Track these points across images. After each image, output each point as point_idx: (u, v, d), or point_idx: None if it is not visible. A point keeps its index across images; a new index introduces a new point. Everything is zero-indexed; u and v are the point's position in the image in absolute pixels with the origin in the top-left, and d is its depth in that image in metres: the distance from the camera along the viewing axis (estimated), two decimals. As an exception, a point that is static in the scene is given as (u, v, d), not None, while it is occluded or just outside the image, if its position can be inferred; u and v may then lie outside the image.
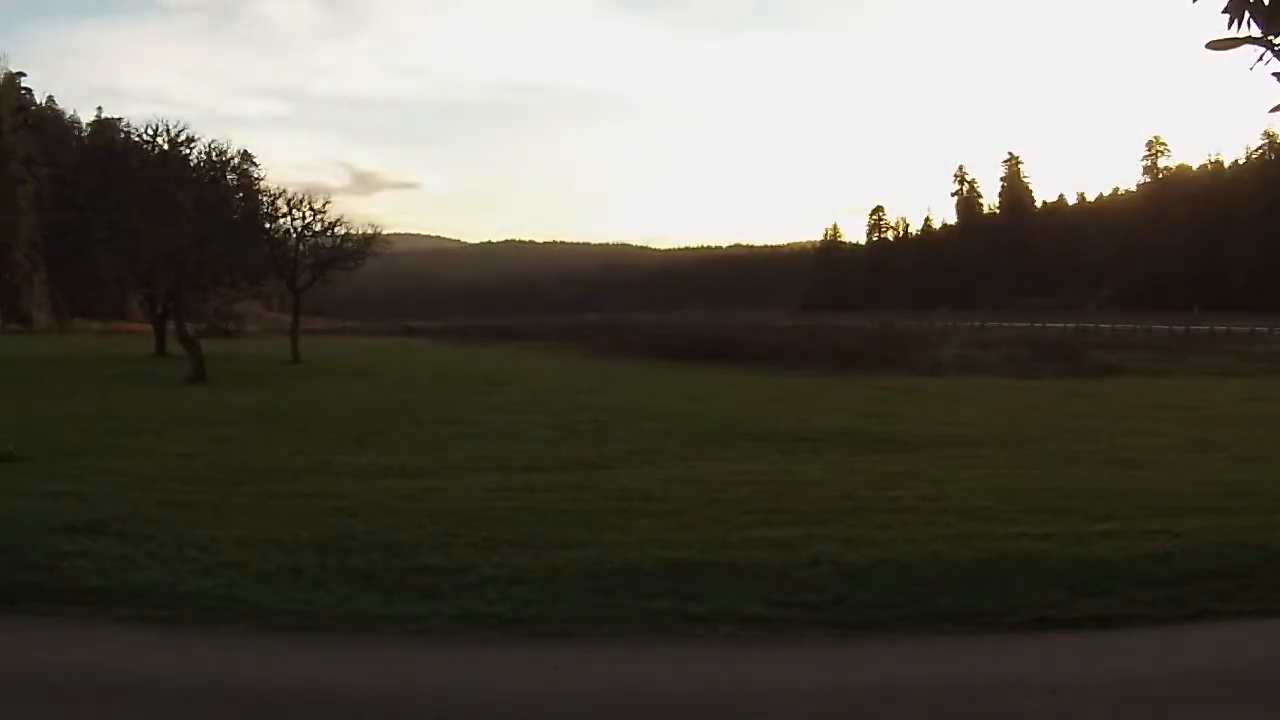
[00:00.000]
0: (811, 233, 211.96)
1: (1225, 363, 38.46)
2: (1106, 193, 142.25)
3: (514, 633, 6.56)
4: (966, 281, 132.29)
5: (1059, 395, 24.21)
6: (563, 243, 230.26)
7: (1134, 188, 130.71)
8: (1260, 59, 3.68)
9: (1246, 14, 3.62)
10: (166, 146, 49.53)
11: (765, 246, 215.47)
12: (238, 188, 50.04)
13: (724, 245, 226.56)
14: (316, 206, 44.75)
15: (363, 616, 6.79)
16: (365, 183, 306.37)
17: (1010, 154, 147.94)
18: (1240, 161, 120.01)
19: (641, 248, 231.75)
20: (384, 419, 18.08)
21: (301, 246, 44.07)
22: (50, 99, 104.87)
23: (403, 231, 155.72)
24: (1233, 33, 3.66)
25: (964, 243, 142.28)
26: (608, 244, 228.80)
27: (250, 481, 11.04)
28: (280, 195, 46.13)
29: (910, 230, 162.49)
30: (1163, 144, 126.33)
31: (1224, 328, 57.30)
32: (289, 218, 44.64)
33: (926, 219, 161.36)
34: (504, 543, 8.23)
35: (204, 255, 35.54)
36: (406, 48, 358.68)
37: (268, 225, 46.07)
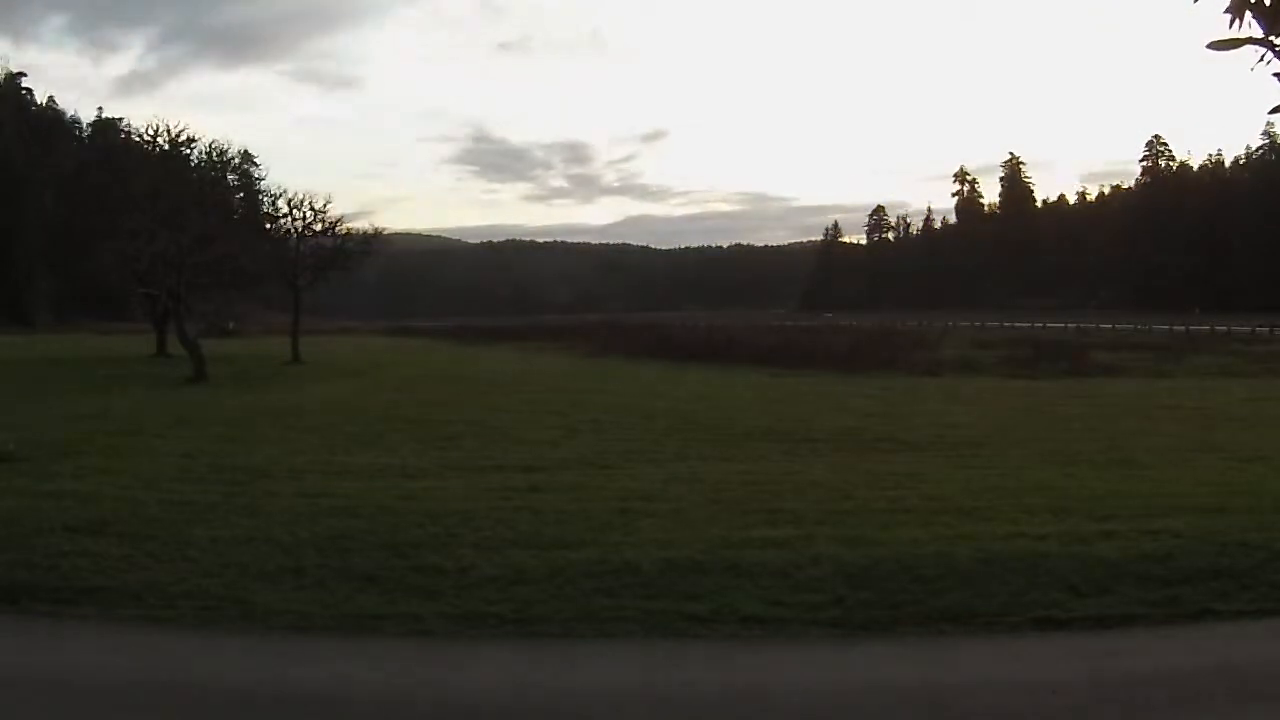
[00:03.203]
0: (812, 232, 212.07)
1: (1225, 363, 38.39)
2: (1107, 192, 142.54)
3: (515, 633, 6.56)
4: (967, 281, 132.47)
5: (1059, 395, 24.17)
6: (563, 243, 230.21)
7: (1134, 187, 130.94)
8: (1261, 59, 3.70)
9: (1247, 14, 3.63)
10: (167, 147, 49.54)
11: (765, 247, 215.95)
12: (238, 188, 50.03)
13: (724, 245, 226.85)
14: (317, 206, 44.78)
15: (364, 616, 6.79)
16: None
17: (1010, 154, 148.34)
18: (1240, 161, 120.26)
19: (642, 248, 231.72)
20: (384, 419, 18.06)
21: (302, 247, 44.02)
22: (51, 99, 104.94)
23: (403, 231, 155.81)
24: (1234, 33, 3.68)
25: (964, 243, 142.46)
26: (608, 244, 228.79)
27: (250, 481, 11.04)
28: (280, 195, 46.17)
29: (910, 230, 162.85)
30: (1163, 144, 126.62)
31: (1224, 328, 57.27)
32: (289, 217, 44.64)
33: (926, 219, 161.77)
34: (505, 543, 8.24)
35: (205, 256, 35.48)
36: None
37: (268, 225, 46.06)
